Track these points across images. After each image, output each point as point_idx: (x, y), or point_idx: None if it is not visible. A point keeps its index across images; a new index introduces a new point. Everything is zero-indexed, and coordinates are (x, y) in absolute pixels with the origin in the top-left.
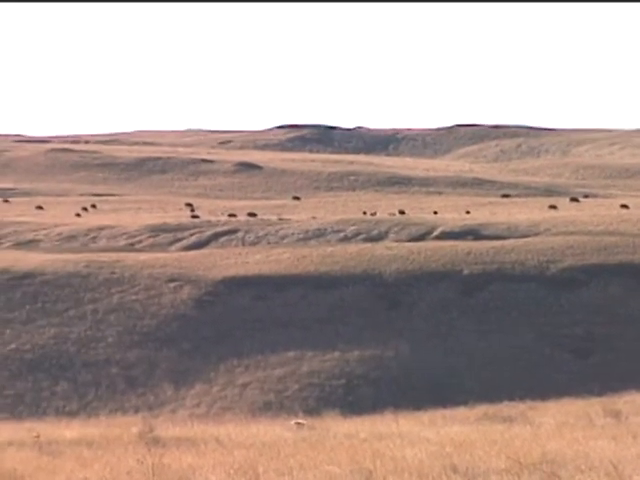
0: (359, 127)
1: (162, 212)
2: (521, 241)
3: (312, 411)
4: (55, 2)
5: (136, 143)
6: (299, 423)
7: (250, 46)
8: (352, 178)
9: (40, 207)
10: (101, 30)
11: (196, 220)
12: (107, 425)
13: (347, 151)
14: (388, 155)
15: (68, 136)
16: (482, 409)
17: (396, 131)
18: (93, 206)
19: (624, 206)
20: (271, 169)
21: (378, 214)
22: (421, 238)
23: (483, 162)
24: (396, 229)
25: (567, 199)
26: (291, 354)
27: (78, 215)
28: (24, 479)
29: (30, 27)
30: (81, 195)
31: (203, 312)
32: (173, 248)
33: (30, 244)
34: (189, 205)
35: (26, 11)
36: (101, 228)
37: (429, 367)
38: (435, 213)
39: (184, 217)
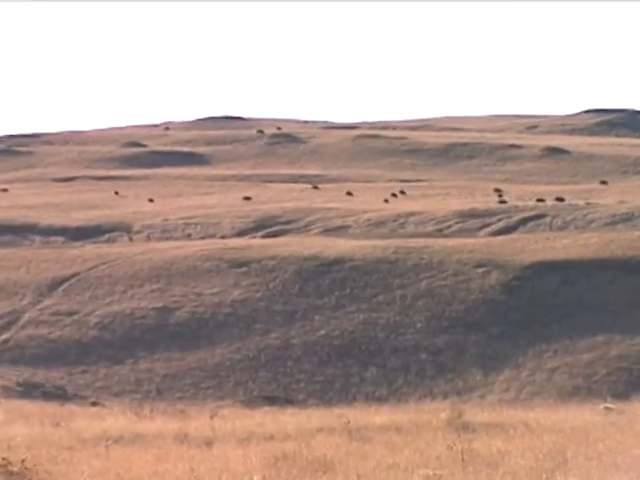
0: None
1: (470, 197)
2: None
3: (621, 395)
4: None
5: (444, 129)
6: (608, 407)
7: (538, 32)
8: None
9: (349, 193)
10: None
11: (504, 205)
12: (416, 411)
13: None
14: None
15: (376, 122)
16: None
17: None
18: (402, 192)
19: None
20: (578, 154)
21: None
22: None
23: None
24: None
25: None
26: (599, 338)
27: (386, 201)
28: (334, 464)
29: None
30: (389, 181)
31: (511, 297)
32: (481, 233)
33: (339, 230)
34: (497, 190)
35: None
36: (409, 214)
37: None
38: None
39: (492, 202)
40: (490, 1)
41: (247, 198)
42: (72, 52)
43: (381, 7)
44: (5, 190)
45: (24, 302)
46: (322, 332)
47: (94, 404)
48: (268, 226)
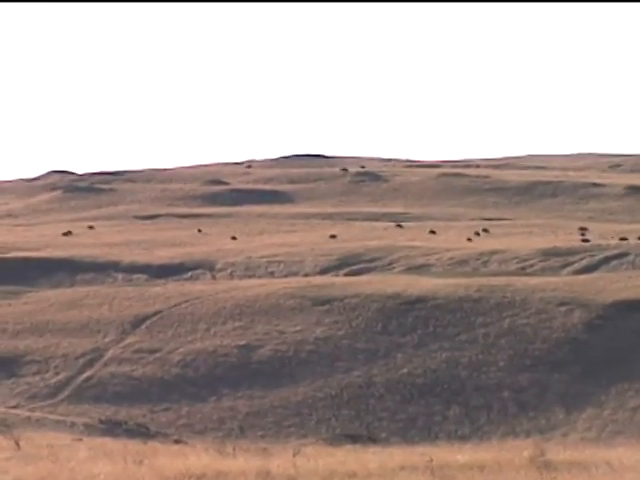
0: None
1: (553, 236)
2: None
3: None
4: None
5: (527, 167)
6: None
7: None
8: None
9: (433, 231)
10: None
11: (587, 244)
12: (499, 449)
13: None
14: None
15: (459, 160)
16: None
17: None
18: (485, 230)
19: None
20: None
21: None
22: None
23: None
24: None
25: None
26: None
27: (469, 240)
28: None
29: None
30: (472, 219)
31: (594, 336)
32: (564, 272)
33: (422, 268)
34: (582, 229)
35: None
36: (492, 252)
37: None
38: None
39: (574, 241)
40: (573, 41)
41: (333, 236)
42: (156, 90)
43: (465, 48)
44: (91, 227)
45: (107, 340)
46: (405, 370)
47: (177, 442)
48: (351, 264)
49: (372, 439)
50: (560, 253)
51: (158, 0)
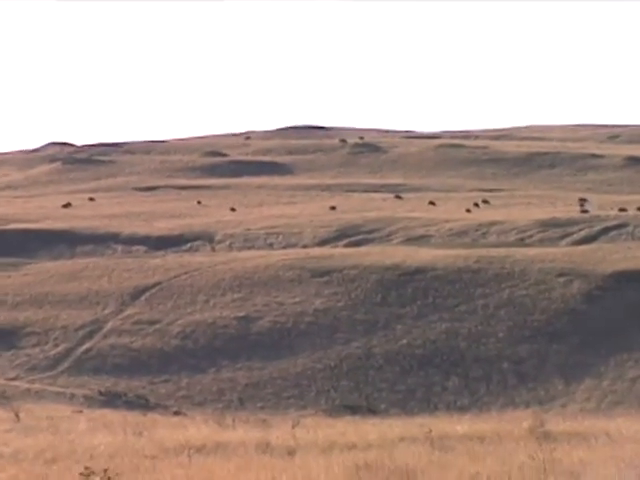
0: None
1: (551, 207)
2: None
3: None
4: None
5: (525, 138)
6: None
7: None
8: None
9: (432, 203)
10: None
11: (585, 215)
12: (498, 420)
13: None
14: None
15: (458, 131)
16: None
17: None
18: (485, 201)
19: None
20: None
21: None
22: None
23: None
24: None
25: None
26: None
27: (468, 211)
28: (416, 474)
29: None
30: (470, 191)
31: (593, 306)
32: (563, 243)
33: (421, 240)
34: (582, 200)
35: None
36: (491, 223)
37: None
38: None
39: (574, 212)
40: (572, 11)
41: (332, 207)
42: (155, 62)
43: (464, 18)
44: (91, 199)
45: (106, 311)
46: (404, 341)
47: (176, 413)
48: (350, 235)
49: (371, 410)
50: (559, 224)
51: None
